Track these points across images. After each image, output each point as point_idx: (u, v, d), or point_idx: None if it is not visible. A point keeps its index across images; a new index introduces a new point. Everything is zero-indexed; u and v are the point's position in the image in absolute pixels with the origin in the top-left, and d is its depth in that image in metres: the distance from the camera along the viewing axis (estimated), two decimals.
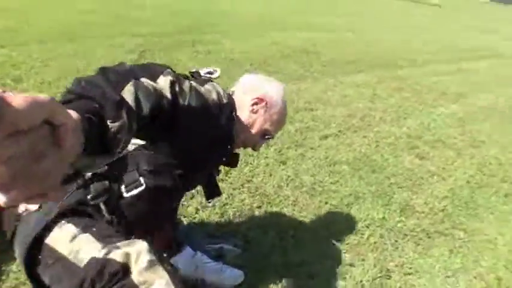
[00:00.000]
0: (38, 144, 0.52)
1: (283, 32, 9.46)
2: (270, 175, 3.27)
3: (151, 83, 1.08)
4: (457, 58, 10.15)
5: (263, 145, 1.84)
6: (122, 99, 0.91)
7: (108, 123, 0.83)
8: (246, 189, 3.02)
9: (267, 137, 1.70)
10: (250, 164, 3.36)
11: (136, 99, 0.98)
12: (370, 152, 3.93)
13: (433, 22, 19.40)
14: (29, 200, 0.57)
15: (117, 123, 0.85)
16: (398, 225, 2.95)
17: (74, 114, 0.61)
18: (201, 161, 1.51)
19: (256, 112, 1.65)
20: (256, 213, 2.77)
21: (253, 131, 1.66)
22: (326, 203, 3.04)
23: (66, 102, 0.78)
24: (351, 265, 2.49)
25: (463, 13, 30.53)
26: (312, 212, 2.90)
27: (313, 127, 4.26)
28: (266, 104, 1.64)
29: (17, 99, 0.47)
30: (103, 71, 0.97)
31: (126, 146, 0.91)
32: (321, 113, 4.69)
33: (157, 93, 1.10)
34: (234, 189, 2.98)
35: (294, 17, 11.68)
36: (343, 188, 3.27)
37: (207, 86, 1.42)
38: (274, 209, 2.85)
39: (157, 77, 1.14)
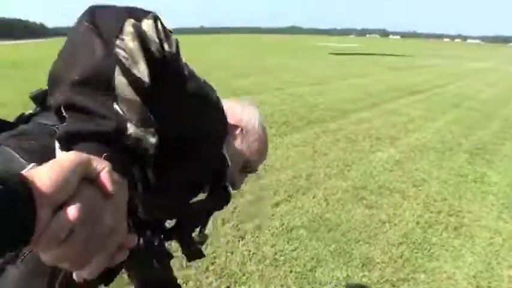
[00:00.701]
0: (91, 206, 0.51)
1: None
2: (232, 253, 3.30)
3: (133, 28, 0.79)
4: (380, 101, 10.79)
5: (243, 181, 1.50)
6: (113, 114, 0.72)
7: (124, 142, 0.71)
8: (211, 272, 3.03)
9: (248, 170, 1.44)
10: (211, 244, 3.38)
11: (128, 75, 0.74)
12: (322, 211, 4.05)
13: (351, 68, 20.45)
14: (112, 261, 0.57)
15: (128, 142, 0.72)
16: (363, 280, 3.04)
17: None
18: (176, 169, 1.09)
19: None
20: None
21: (230, 164, 1.35)
22: (291, 271, 3.09)
23: (72, 147, 0.67)
24: None
25: (379, 56, 32.41)
26: (279, 284, 2.94)
27: (264, 196, 4.35)
28: (242, 131, 1.38)
29: (44, 175, 0.47)
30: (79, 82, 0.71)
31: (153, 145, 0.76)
32: (268, 179, 4.80)
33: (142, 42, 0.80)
34: (199, 273, 2.98)
35: (218, 81, 11.96)
36: (304, 253, 3.34)
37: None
38: None
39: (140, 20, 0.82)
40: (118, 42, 0.75)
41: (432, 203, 4.39)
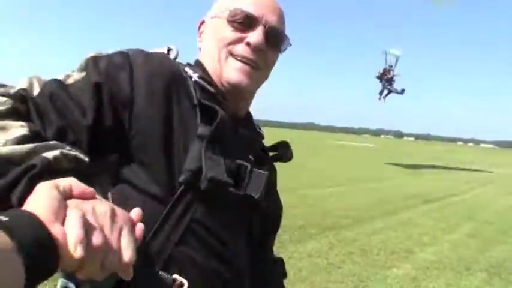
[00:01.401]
0: (85, 205, 0.58)
1: None
2: None
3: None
4: (394, 208, 10.71)
5: None
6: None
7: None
8: None
9: (234, 19, 1.07)
10: None
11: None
12: None
13: (365, 171, 20.54)
14: (138, 237, 0.64)
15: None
16: None
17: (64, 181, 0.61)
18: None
19: (201, 34, 1.21)
20: None
21: (213, 43, 1.12)
22: None
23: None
24: None
25: (394, 158, 32.58)
26: None
27: None
28: (203, 22, 1.21)
29: (42, 205, 0.53)
30: None
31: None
32: None
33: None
34: None
35: None
36: None
37: None
38: None
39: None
40: None
41: None
